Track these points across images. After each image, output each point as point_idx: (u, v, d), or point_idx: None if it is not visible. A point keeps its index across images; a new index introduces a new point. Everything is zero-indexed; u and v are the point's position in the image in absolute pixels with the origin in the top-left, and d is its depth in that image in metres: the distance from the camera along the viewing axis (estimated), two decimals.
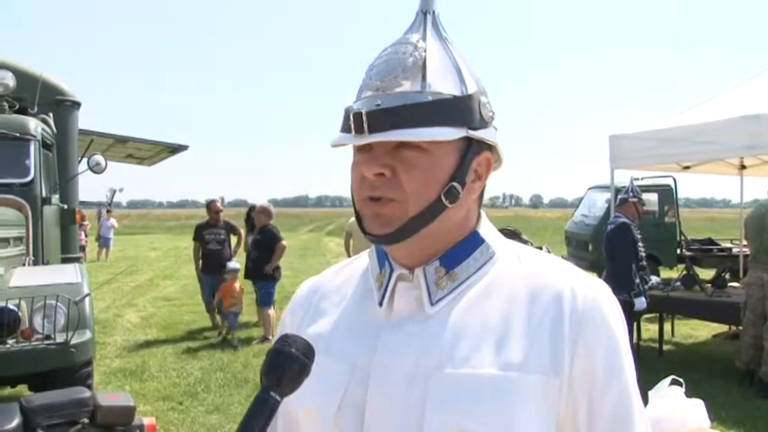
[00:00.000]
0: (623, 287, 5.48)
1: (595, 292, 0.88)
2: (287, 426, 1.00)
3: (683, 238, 10.87)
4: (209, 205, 8.88)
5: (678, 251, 10.66)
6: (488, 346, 0.84)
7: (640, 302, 5.69)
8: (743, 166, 8.69)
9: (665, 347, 7.15)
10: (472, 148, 0.89)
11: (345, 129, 0.87)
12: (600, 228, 9.87)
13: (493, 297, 0.88)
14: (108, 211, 19.67)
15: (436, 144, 0.85)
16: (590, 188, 13.45)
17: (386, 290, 0.92)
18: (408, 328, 0.88)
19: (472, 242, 0.92)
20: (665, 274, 10.21)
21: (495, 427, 0.81)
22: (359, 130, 0.84)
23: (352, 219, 8.60)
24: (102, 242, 20.47)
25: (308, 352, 0.77)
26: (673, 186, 11.57)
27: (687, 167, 8.36)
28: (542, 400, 0.82)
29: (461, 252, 0.91)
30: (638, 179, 8.06)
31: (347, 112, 0.87)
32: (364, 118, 0.83)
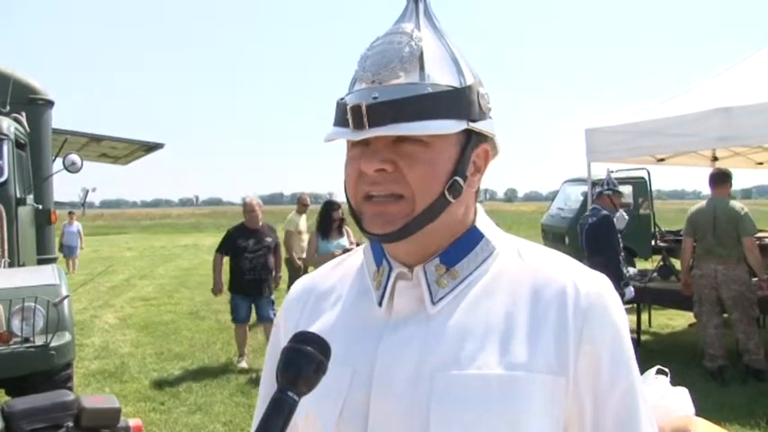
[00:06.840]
0: (612, 279, 5.54)
1: (598, 287, 0.86)
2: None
3: (657, 229, 11.03)
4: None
5: (653, 242, 10.83)
6: (492, 345, 0.82)
7: (630, 291, 5.83)
8: (715, 158, 8.86)
9: (643, 337, 7.25)
10: (472, 140, 0.86)
11: (341, 122, 0.83)
12: (576, 220, 9.97)
13: (495, 294, 0.86)
14: (70, 214, 17.02)
15: (437, 137, 0.82)
16: (565, 181, 13.60)
17: (385, 289, 0.89)
18: (410, 328, 0.85)
19: (472, 238, 0.89)
20: (641, 265, 10.36)
21: (503, 428, 0.79)
22: (358, 125, 0.80)
23: (290, 215, 8.29)
24: (67, 251, 16.62)
25: (324, 349, 0.75)
26: (647, 179, 11.75)
27: (662, 160, 8.49)
28: (549, 399, 0.81)
29: (461, 249, 0.88)
30: (612, 172, 8.16)
31: (342, 105, 0.83)
32: (364, 111, 0.79)
